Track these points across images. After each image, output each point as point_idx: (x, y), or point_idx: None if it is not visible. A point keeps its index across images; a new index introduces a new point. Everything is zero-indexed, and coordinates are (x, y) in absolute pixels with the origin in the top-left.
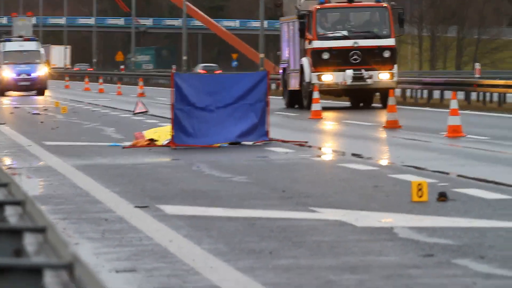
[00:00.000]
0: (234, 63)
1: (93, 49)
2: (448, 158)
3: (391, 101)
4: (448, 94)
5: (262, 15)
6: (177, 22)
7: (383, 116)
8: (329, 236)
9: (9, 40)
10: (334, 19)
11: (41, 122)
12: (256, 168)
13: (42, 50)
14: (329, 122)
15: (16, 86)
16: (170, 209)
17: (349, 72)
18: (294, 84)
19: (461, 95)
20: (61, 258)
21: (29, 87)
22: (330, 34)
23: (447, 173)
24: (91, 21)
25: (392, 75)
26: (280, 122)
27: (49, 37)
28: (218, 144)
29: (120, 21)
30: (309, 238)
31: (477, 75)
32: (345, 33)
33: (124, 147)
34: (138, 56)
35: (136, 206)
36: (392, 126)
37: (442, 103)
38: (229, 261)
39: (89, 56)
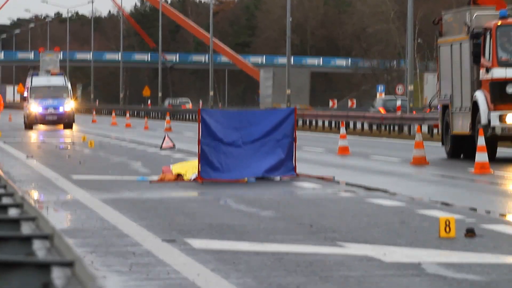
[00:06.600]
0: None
1: (120, 84)
2: (476, 195)
3: None
4: None
5: (289, 51)
6: (203, 58)
7: None
8: (356, 271)
9: (37, 75)
10: None
11: (68, 156)
12: (283, 203)
13: (69, 85)
14: None
15: (43, 120)
16: (197, 243)
17: None
18: (461, 127)
19: None
20: None
21: (56, 122)
22: None
23: (475, 209)
24: (117, 56)
25: None
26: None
27: (76, 72)
28: (245, 179)
29: (147, 57)
30: (336, 273)
31: None
32: None
33: (151, 182)
34: None
35: (163, 240)
36: None
37: None
38: None
39: (115, 91)
